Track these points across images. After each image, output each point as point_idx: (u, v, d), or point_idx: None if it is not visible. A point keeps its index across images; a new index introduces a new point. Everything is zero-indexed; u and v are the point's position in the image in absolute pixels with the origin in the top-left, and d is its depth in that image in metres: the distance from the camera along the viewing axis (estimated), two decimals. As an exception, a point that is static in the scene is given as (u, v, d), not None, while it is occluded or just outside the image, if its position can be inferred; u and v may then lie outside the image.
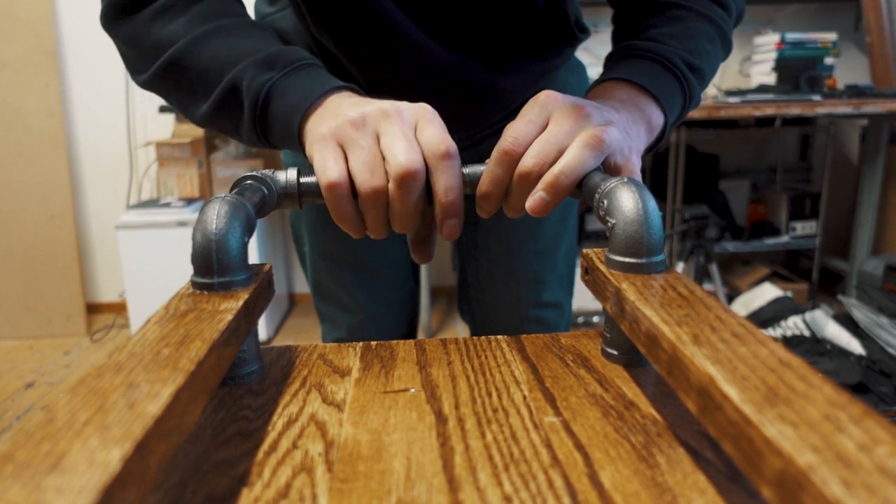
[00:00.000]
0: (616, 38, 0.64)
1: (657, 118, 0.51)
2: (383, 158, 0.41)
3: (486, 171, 0.44)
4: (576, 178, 0.41)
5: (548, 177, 0.42)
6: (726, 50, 0.60)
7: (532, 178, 0.42)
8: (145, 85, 0.53)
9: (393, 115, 0.41)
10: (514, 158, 0.43)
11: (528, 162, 0.42)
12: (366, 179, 0.40)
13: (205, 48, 0.49)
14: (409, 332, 0.87)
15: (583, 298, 2.34)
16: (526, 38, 0.61)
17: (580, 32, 0.65)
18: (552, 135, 0.43)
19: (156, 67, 0.50)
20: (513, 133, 0.43)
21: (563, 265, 0.79)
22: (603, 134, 0.42)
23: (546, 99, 0.45)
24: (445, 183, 0.41)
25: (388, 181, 0.41)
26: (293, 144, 0.47)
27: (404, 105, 0.43)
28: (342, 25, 0.56)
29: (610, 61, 0.57)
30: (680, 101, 0.53)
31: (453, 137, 0.73)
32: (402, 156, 0.40)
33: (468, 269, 0.83)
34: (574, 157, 0.41)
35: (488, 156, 0.45)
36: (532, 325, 0.79)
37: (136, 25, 0.51)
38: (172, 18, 0.50)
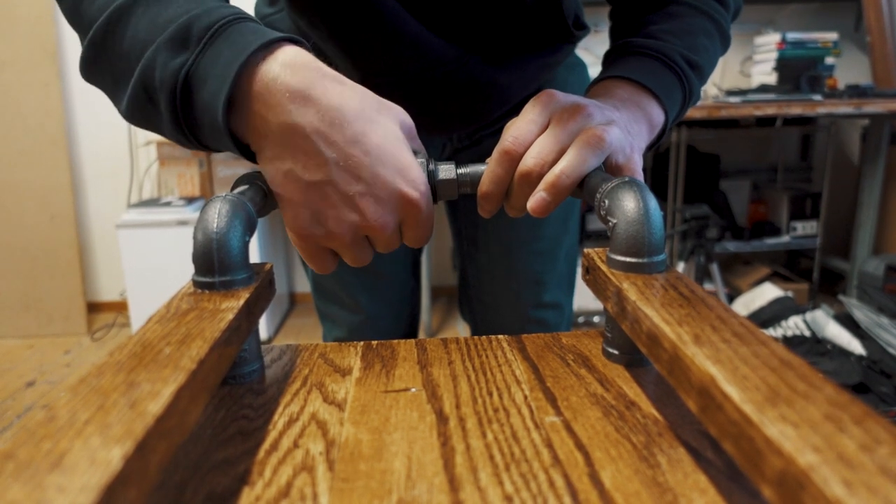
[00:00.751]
0: (614, 35, 0.63)
1: (658, 116, 0.51)
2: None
3: (486, 170, 0.44)
4: (577, 177, 0.41)
5: (549, 177, 0.42)
6: (724, 45, 0.60)
7: (533, 178, 0.42)
8: (85, 77, 0.43)
9: (379, 231, 0.41)
10: (514, 158, 0.43)
11: (528, 162, 0.42)
12: (355, 264, 0.43)
13: (125, 25, 0.39)
14: (410, 332, 0.87)
15: (584, 298, 2.34)
16: (521, 34, 0.61)
17: (578, 29, 0.65)
18: (553, 135, 0.43)
19: (82, 53, 0.42)
20: (513, 133, 0.43)
21: (563, 266, 0.79)
22: (604, 134, 0.42)
23: (547, 98, 0.45)
24: (413, 237, 0.43)
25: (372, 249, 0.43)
26: (231, 148, 0.39)
27: (386, 207, 0.40)
28: (338, 17, 0.55)
29: (609, 59, 0.57)
30: (680, 97, 0.53)
31: (452, 135, 0.73)
32: (382, 250, 0.43)
33: (469, 270, 0.83)
34: (575, 157, 0.41)
35: (488, 155, 0.45)
36: (532, 325, 0.79)
37: (70, 1, 0.43)
38: None
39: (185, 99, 0.37)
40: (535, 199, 0.42)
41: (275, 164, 0.39)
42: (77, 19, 0.43)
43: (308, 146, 0.38)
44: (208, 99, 0.37)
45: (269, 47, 0.37)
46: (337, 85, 0.39)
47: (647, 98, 0.50)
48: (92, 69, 0.42)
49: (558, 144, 0.42)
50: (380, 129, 0.39)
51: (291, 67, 0.37)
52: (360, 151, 0.38)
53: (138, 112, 0.40)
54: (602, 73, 0.54)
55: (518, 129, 0.43)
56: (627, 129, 0.46)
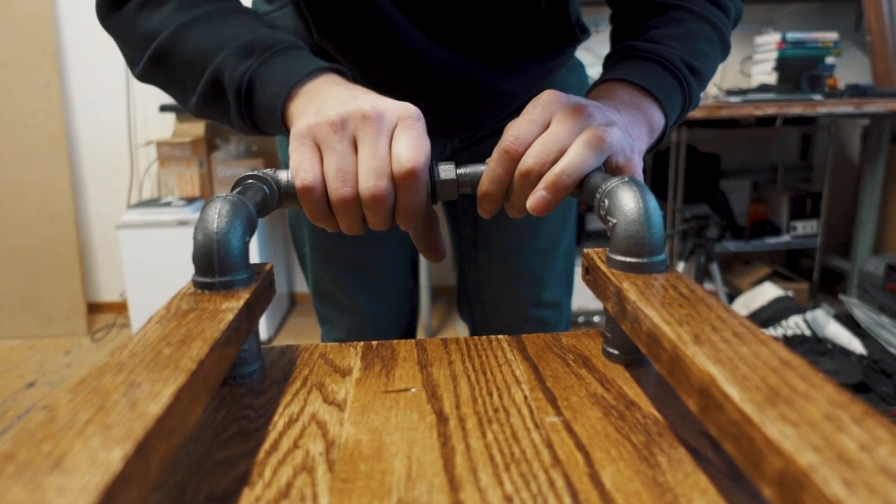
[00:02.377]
0: (615, 39, 0.64)
1: (658, 119, 0.51)
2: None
3: (486, 170, 0.44)
4: (577, 177, 0.41)
5: (549, 176, 0.42)
6: (725, 51, 0.60)
7: (533, 177, 0.42)
8: (141, 78, 0.53)
9: (372, 121, 0.41)
10: (514, 158, 0.43)
11: (529, 161, 0.42)
12: (336, 188, 0.41)
13: (188, 38, 0.48)
14: (409, 333, 0.87)
15: (584, 298, 2.34)
16: (528, 40, 0.61)
17: (581, 33, 0.65)
18: (554, 134, 0.43)
19: (145, 60, 0.50)
20: (514, 132, 0.43)
21: (562, 265, 0.79)
22: (605, 134, 0.42)
23: (548, 99, 0.45)
24: (405, 205, 0.42)
25: (357, 192, 0.41)
26: (283, 132, 0.47)
27: (387, 106, 0.42)
28: (344, 29, 0.56)
29: (610, 62, 0.57)
30: (680, 102, 0.53)
31: (453, 138, 0.73)
32: (370, 178, 0.40)
33: (467, 269, 0.83)
34: (575, 157, 0.41)
35: (488, 155, 0.45)
36: (531, 324, 0.79)
37: (124, 18, 0.51)
38: (157, 8, 0.50)
39: (248, 96, 0.47)
40: (536, 198, 0.42)
41: (299, 122, 0.42)
42: (129, 32, 0.51)
43: (332, 98, 0.43)
44: (269, 98, 0.45)
45: (320, 72, 0.46)
46: (368, 90, 0.44)
47: (648, 101, 0.50)
48: (153, 72, 0.51)
49: (559, 144, 0.42)
50: (395, 103, 0.43)
51: (335, 82, 0.45)
52: (385, 108, 0.42)
53: (208, 106, 0.50)
54: (603, 75, 0.54)
55: (518, 129, 0.43)
56: (627, 130, 0.46)
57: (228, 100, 0.48)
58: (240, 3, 0.53)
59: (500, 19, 0.58)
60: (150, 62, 0.50)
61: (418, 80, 0.59)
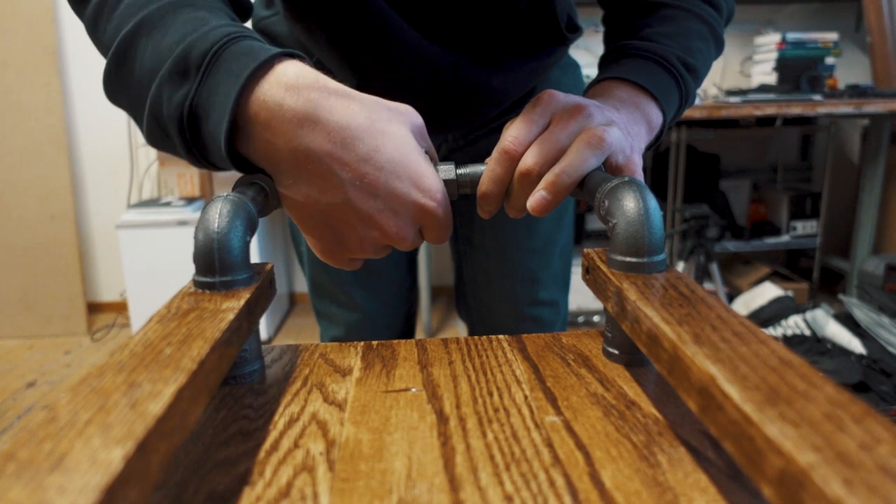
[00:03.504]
0: (609, 39, 0.64)
1: (656, 117, 0.51)
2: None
3: (486, 170, 0.44)
4: (577, 177, 0.41)
5: (549, 176, 0.42)
6: (718, 49, 0.60)
7: (533, 178, 0.42)
8: (108, 99, 0.43)
9: (398, 241, 0.42)
10: (514, 158, 0.43)
11: (528, 161, 0.42)
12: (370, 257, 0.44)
13: (134, 54, 0.39)
14: (407, 331, 0.87)
15: (584, 298, 2.34)
16: (515, 38, 0.61)
17: (571, 32, 0.65)
18: (553, 134, 0.43)
19: (103, 78, 0.42)
20: (513, 132, 0.43)
21: (558, 263, 0.79)
22: (604, 134, 0.42)
23: (548, 98, 0.45)
24: (434, 240, 0.44)
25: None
26: (240, 170, 0.40)
27: (404, 217, 0.41)
28: (334, 24, 0.55)
29: (606, 61, 0.57)
30: (677, 99, 0.53)
31: (447, 136, 0.73)
32: (403, 249, 0.44)
33: (464, 268, 0.83)
34: (575, 157, 0.41)
35: (484, 155, 0.45)
36: (528, 323, 0.79)
37: (89, 29, 0.44)
38: (109, 14, 0.41)
39: (193, 129, 0.38)
40: (536, 198, 0.42)
41: (292, 190, 0.40)
42: (97, 45, 0.43)
43: (321, 170, 0.37)
44: (212, 130, 0.37)
45: (265, 67, 0.37)
46: (343, 100, 0.38)
47: (646, 99, 0.50)
48: (112, 95, 0.42)
49: (558, 144, 0.42)
50: (391, 141, 0.39)
51: (294, 90, 0.37)
52: (373, 168, 0.38)
53: (157, 141, 0.41)
54: (599, 74, 0.54)
55: (518, 129, 0.43)
56: (627, 129, 0.46)
57: (172, 138, 0.39)
58: None
59: (482, 17, 0.58)
60: (105, 83, 0.42)
61: (408, 74, 0.59)
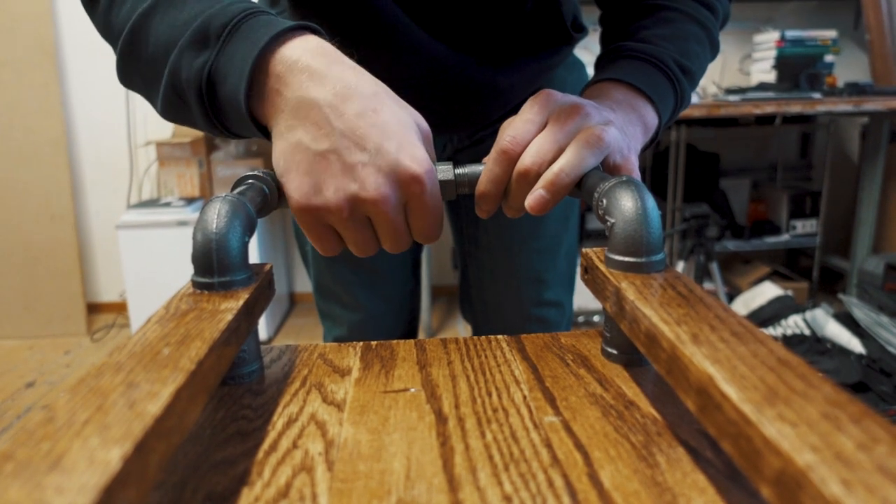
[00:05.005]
0: (605, 40, 0.64)
1: (652, 119, 0.51)
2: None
3: (484, 170, 0.44)
4: (575, 176, 0.41)
5: (547, 175, 0.42)
6: (714, 52, 0.60)
7: (531, 177, 0.42)
8: (122, 83, 0.47)
9: (381, 206, 0.39)
10: (512, 157, 0.43)
11: (526, 160, 0.42)
12: (359, 252, 0.43)
13: (148, 31, 0.42)
14: (410, 332, 0.87)
15: (583, 297, 2.34)
16: (521, 38, 0.61)
17: (577, 32, 0.65)
18: (551, 134, 0.43)
19: (116, 63, 0.45)
20: (511, 132, 0.43)
21: (564, 264, 0.79)
22: (603, 133, 0.42)
23: (545, 98, 0.45)
24: (419, 230, 0.42)
25: (379, 248, 0.43)
26: (262, 135, 0.42)
27: (389, 175, 0.39)
28: (340, 23, 0.55)
29: (602, 62, 0.57)
30: (672, 102, 0.54)
31: (452, 137, 0.73)
32: (394, 248, 0.42)
33: (469, 269, 0.83)
34: (573, 156, 0.41)
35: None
36: (533, 324, 0.79)
37: (101, 15, 0.46)
38: (122, 1, 0.44)
39: (211, 94, 0.40)
40: (534, 197, 0.42)
41: (285, 136, 0.40)
42: (108, 32, 0.45)
43: (318, 116, 0.38)
44: (230, 93, 0.39)
45: (282, 37, 0.39)
46: (356, 70, 0.40)
47: (642, 101, 0.51)
48: (125, 75, 0.45)
49: (556, 144, 0.42)
50: (391, 110, 0.40)
51: (312, 52, 0.39)
52: (367, 123, 0.39)
53: (172, 110, 0.43)
54: (596, 75, 0.54)
55: (515, 129, 0.43)
56: (623, 130, 0.46)
57: (190, 104, 0.41)
58: None
59: (489, 17, 0.58)
60: (118, 66, 0.45)
61: (415, 74, 0.59)
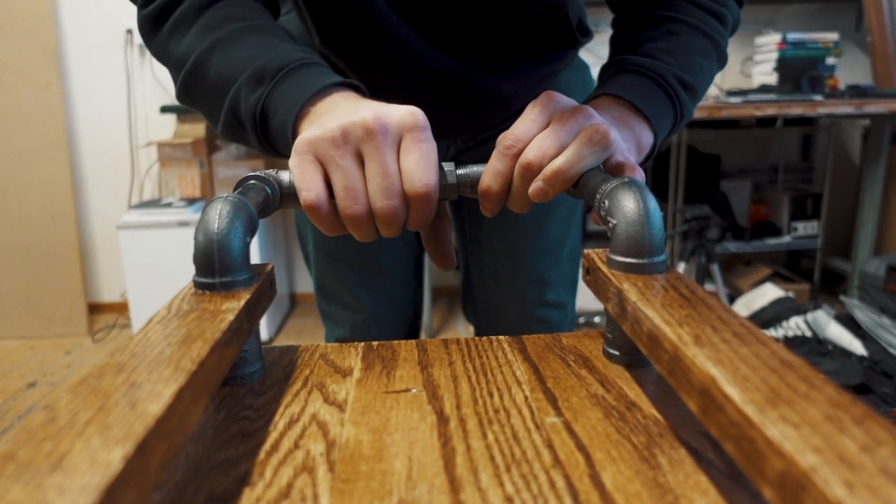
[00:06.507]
0: (613, 48, 0.64)
1: (647, 138, 0.51)
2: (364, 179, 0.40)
3: (487, 167, 0.44)
4: (577, 171, 0.41)
5: (550, 167, 0.42)
6: (721, 63, 0.60)
7: (534, 170, 0.42)
8: (180, 102, 0.54)
9: (376, 134, 0.39)
10: (515, 154, 0.43)
11: (529, 154, 0.42)
12: (347, 206, 0.40)
13: (209, 67, 0.48)
14: (412, 333, 0.87)
15: (584, 298, 2.34)
16: (527, 43, 0.61)
17: (582, 35, 0.65)
18: (554, 132, 0.43)
19: (177, 87, 0.51)
20: (513, 131, 0.43)
21: (567, 265, 0.79)
22: (607, 131, 0.42)
23: (547, 100, 0.45)
24: (416, 219, 0.42)
25: (369, 207, 0.40)
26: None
27: (391, 115, 0.40)
28: (345, 36, 0.56)
29: (605, 75, 0.57)
30: (671, 119, 0.54)
31: (456, 139, 0.73)
32: (381, 198, 0.39)
33: (472, 269, 0.83)
34: (576, 152, 0.41)
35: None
36: (536, 324, 0.79)
37: (160, 43, 0.52)
38: (184, 34, 0.50)
39: (264, 123, 0.46)
40: (534, 188, 0.42)
41: (301, 137, 0.41)
42: (166, 58, 0.52)
43: (334, 124, 0.41)
44: (280, 126, 0.45)
45: (329, 89, 0.44)
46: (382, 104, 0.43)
47: (639, 120, 0.51)
48: (188, 98, 0.52)
49: (559, 140, 0.42)
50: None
51: (340, 103, 0.44)
52: (388, 118, 0.40)
53: (232, 133, 0.50)
54: (597, 89, 0.54)
55: (518, 128, 0.43)
56: None
57: (247, 130, 0.48)
58: (263, 18, 0.52)
59: (496, 22, 0.58)
60: (181, 90, 0.51)
61: (417, 83, 0.59)
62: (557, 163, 0.41)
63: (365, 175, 0.40)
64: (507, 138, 0.43)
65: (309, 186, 0.40)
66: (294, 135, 0.44)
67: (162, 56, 0.53)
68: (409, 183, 0.40)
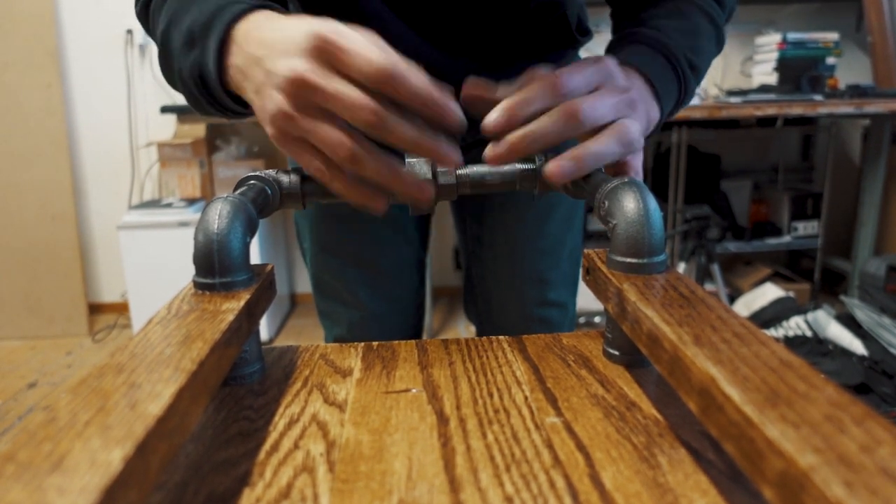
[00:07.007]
0: (617, 18, 0.63)
1: (654, 114, 0.51)
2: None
3: (516, 89, 0.42)
4: (598, 163, 0.41)
5: (576, 150, 0.41)
6: (719, 47, 0.60)
7: (577, 120, 0.40)
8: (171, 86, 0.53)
9: (314, 88, 0.36)
10: (556, 91, 0.41)
11: (586, 108, 0.41)
12: (341, 160, 0.37)
13: (169, 43, 0.47)
14: (415, 333, 0.87)
15: (584, 298, 2.34)
16: (525, 42, 0.61)
17: (582, 35, 0.65)
18: (601, 100, 0.42)
19: (160, 69, 0.51)
20: (568, 79, 0.42)
21: (567, 265, 0.79)
22: (638, 137, 0.42)
23: (604, 66, 0.44)
24: (406, 95, 0.37)
25: (359, 147, 0.37)
26: (241, 109, 0.46)
27: (301, 50, 0.37)
28: None
29: (615, 46, 0.56)
30: (675, 97, 0.53)
31: (456, 137, 0.73)
32: (361, 118, 0.36)
33: (473, 268, 0.83)
34: (604, 146, 0.41)
35: None
36: (536, 324, 0.79)
37: (151, 35, 0.52)
38: (157, 19, 0.49)
39: (205, 86, 0.45)
40: (557, 164, 0.41)
41: (250, 97, 0.41)
42: (156, 43, 0.51)
43: (254, 71, 0.40)
44: (212, 81, 0.44)
45: (238, 18, 0.43)
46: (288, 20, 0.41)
47: (651, 95, 0.50)
48: (170, 83, 0.51)
49: (603, 111, 0.41)
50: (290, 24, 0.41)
51: (257, 23, 0.42)
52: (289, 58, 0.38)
53: (193, 103, 0.49)
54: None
55: (574, 78, 0.42)
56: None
57: (199, 99, 0.47)
58: None
59: (491, 19, 0.57)
60: (164, 76, 0.51)
61: None
62: (584, 150, 0.41)
63: (336, 122, 0.37)
64: (559, 79, 0.41)
65: (307, 164, 0.39)
66: (227, 89, 0.44)
67: (155, 42, 0.52)
68: (364, 74, 0.36)
